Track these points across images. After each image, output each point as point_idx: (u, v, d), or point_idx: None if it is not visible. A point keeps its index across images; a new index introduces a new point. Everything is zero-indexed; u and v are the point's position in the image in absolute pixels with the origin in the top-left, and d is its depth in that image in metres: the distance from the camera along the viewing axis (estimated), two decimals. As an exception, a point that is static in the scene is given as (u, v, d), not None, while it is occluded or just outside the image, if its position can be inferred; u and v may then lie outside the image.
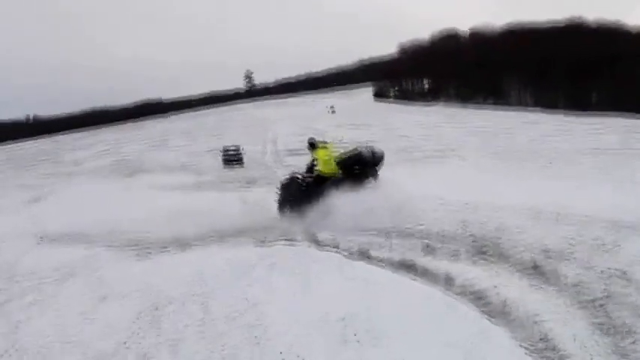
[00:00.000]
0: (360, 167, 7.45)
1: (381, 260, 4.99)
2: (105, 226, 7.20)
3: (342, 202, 6.73)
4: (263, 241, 6.00)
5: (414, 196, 9.32)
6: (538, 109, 38.51)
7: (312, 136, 8.79)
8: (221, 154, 18.71)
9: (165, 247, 5.84)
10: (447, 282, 4.30)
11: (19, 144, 48.54)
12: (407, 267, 4.78)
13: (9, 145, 47.19)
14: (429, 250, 5.26)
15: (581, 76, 38.17)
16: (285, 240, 6.05)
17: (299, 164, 15.08)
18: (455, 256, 5.03)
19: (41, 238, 6.93)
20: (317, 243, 5.84)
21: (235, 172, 15.34)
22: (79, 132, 53.11)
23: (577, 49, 37.98)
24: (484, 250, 5.10)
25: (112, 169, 20.46)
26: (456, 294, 4.00)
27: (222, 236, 6.46)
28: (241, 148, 18.84)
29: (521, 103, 43.55)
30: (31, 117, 69.64)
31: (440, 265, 4.73)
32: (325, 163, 7.57)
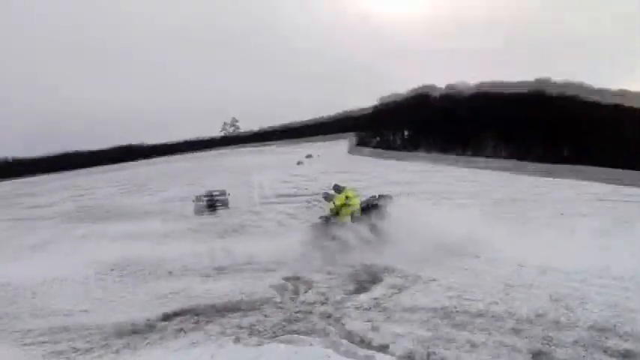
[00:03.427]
0: None
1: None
2: (27, 301, 4.81)
3: None
4: (252, 333, 3.77)
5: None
6: (513, 160, 39.82)
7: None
8: (195, 200, 16.67)
9: (104, 342, 3.51)
10: None
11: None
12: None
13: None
14: (538, 352, 3.18)
15: (550, 134, 41.10)
16: (290, 331, 3.82)
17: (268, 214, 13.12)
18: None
19: None
20: (344, 337, 3.63)
21: (213, 219, 13.10)
22: (51, 175, 49.06)
23: (541, 112, 41.27)
24: (617, 349, 3.11)
25: (77, 214, 17.66)
26: None
27: (188, 321, 4.17)
28: (216, 193, 17.09)
29: (496, 154, 45.36)
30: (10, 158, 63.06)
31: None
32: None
